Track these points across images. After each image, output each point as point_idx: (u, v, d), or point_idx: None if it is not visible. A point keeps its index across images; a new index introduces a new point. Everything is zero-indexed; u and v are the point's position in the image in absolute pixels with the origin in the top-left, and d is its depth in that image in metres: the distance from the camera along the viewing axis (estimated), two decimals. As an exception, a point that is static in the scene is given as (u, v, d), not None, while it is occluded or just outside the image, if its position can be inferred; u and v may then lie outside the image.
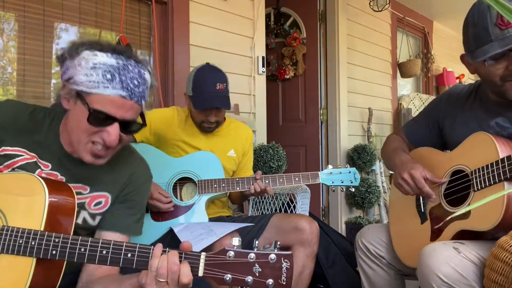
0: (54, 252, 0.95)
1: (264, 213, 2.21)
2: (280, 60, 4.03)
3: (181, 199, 1.81)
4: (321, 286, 2.35)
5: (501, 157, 1.18)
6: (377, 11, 4.00)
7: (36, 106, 1.18)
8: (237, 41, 2.89)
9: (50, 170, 1.13)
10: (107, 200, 1.18)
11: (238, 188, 1.79)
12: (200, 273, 0.90)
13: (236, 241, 0.92)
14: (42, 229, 0.97)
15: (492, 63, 1.22)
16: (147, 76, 1.10)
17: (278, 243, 0.93)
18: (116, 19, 2.37)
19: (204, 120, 1.84)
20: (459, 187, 1.33)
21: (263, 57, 3.05)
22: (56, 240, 0.96)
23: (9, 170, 1.09)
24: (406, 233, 1.50)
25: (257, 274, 0.88)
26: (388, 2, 3.94)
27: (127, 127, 1.08)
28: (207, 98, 1.79)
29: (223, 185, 1.78)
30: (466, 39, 1.27)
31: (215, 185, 1.78)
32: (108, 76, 1.02)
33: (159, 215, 1.76)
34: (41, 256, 0.96)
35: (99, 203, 1.17)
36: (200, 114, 1.84)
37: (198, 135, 1.91)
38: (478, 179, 1.24)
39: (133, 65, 1.06)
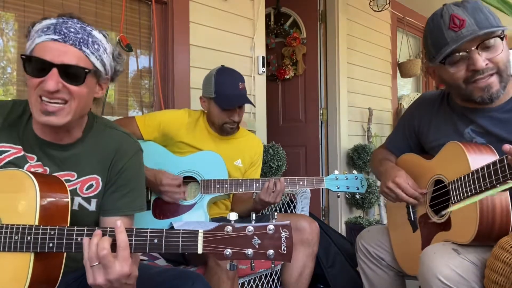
0: (51, 244, 0.95)
1: (264, 213, 2.21)
2: (280, 60, 4.02)
3: (184, 198, 1.81)
4: (321, 286, 2.35)
5: (471, 169, 1.18)
6: (377, 11, 4.00)
7: (15, 100, 1.18)
8: (237, 41, 2.89)
9: (36, 162, 1.12)
10: (97, 182, 1.16)
11: (241, 190, 1.78)
12: (200, 250, 0.89)
13: (233, 215, 0.92)
14: (36, 224, 0.96)
15: (453, 67, 1.25)
16: (95, 33, 1.09)
17: (276, 214, 0.93)
18: (116, 19, 2.37)
19: (227, 120, 1.87)
20: (443, 198, 1.33)
21: (263, 57, 3.05)
22: (52, 232, 0.95)
23: None
24: (402, 240, 1.52)
25: (257, 246, 0.88)
26: (388, 2, 3.93)
27: (69, 73, 1.03)
28: (233, 97, 1.84)
29: (226, 185, 1.78)
30: (427, 50, 1.32)
31: (218, 186, 1.78)
32: (45, 29, 1.03)
33: (160, 213, 1.76)
34: (38, 250, 0.95)
35: (91, 186, 1.16)
36: (223, 115, 1.86)
37: (207, 140, 1.91)
38: (454, 192, 1.25)
39: (75, 21, 1.06)
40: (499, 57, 1.21)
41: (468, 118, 1.33)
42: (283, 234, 0.89)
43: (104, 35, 1.11)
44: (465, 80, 1.25)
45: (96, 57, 1.08)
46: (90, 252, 0.90)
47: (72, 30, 1.04)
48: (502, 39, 1.21)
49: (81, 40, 1.05)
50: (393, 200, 1.44)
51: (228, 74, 1.88)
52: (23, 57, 1.03)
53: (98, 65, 1.09)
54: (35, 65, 1.02)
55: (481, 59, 1.20)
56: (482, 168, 1.14)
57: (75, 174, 1.15)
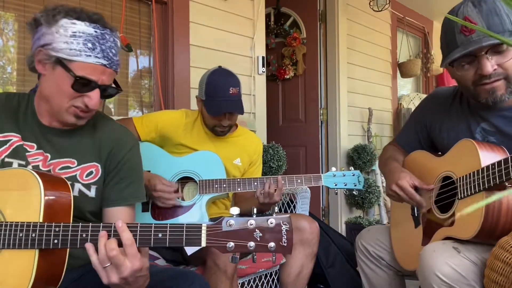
0: (56, 241, 0.96)
1: (264, 213, 2.21)
2: (280, 60, 4.03)
3: (183, 199, 1.81)
4: (321, 286, 2.35)
5: (482, 166, 1.18)
6: (377, 11, 4.00)
7: (7, 93, 1.22)
8: (237, 41, 2.89)
9: (36, 150, 1.15)
10: (97, 169, 1.20)
11: (239, 189, 1.78)
12: (203, 243, 0.92)
13: (235, 210, 0.94)
14: (41, 221, 0.98)
15: (461, 70, 1.26)
16: (119, 43, 1.17)
17: (276, 209, 0.96)
18: (116, 19, 2.37)
19: (216, 124, 1.84)
20: (449, 194, 1.34)
21: (263, 57, 3.05)
22: (57, 229, 0.96)
23: (2, 157, 1.12)
24: (402, 236, 1.52)
25: (258, 239, 0.91)
26: (388, 2, 3.94)
27: (105, 91, 1.15)
28: (221, 103, 1.79)
29: (224, 185, 1.78)
30: (442, 49, 1.33)
31: (216, 185, 1.77)
32: (89, 45, 1.08)
33: (159, 213, 1.76)
34: (43, 247, 0.96)
35: (91, 173, 1.19)
36: (213, 119, 1.84)
37: (205, 140, 1.90)
38: (462, 187, 1.25)
39: (109, 33, 1.13)
40: (508, 63, 1.21)
41: (480, 115, 1.33)
42: (283, 227, 0.92)
43: (119, 38, 1.18)
44: (473, 82, 1.26)
45: (119, 67, 1.18)
46: (100, 254, 0.93)
47: (113, 51, 1.13)
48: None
49: (119, 63, 1.16)
50: (399, 201, 1.45)
51: (220, 77, 1.83)
52: (78, 78, 1.08)
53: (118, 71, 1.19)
54: (81, 84, 1.09)
55: (489, 65, 1.20)
56: (493, 165, 1.14)
57: (75, 161, 1.18)
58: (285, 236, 0.91)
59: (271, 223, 0.91)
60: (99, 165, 1.21)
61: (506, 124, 1.28)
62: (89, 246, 0.94)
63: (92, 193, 1.19)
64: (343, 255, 2.39)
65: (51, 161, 1.16)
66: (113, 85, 1.17)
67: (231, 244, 0.91)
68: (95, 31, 1.09)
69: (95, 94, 1.11)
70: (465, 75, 1.26)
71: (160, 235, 0.94)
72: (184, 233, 0.93)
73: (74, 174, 1.17)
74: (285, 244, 0.91)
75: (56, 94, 1.11)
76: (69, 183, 1.14)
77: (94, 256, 0.93)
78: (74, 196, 1.14)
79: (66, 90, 1.09)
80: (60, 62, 1.08)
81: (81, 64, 1.08)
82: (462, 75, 1.27)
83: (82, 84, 1.09)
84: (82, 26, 1.08)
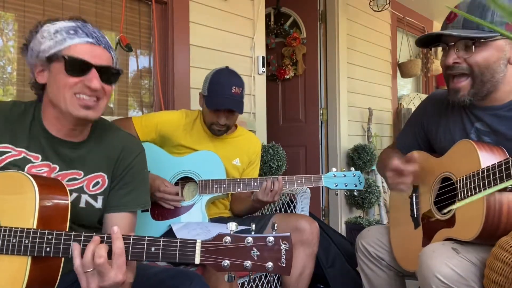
0: (48, 249, 0.95)
1: (264, 213, 2.21)
2: (280, 60, 4.02)
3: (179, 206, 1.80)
4: (321, 286, 2.34)
5: (482, 166, 1.17)
6: (377, 11, 4.00)
7: (14, 101, 1.20)
8: (237, 41, 2.89)
9: (41, 161, 1.13)
10: (103, 179, 1.19)
11: (239, 189, 1.78)
12: (197, 261, 0.88)
13: (232, 225, 0.90)
14: (34, 227, 0.96)
15: (443, 55, 1.31)
16: (108, 39, 1.16)
17: (276, 225, 0.91)
18: (116, 19, 2.37)
19: (214, 121, 1.85)
20: (449, 195, 1.33)
21: (263, 57, 3.05)
22: (49, 237, 0.95)
23: None
24: (402, 237, 1.51)
25: (256, 258, 0.86)
26: (388, 2, 3.93)
27: (104, 74, 1.11)
28: (221, 99, 1.79)
29: (224, 185, 1.78)
30: None
31: (216, 186, 1.78)
32: (71, 31, 1.08)
33: (159, 214, 1.76)
34: (35, 254, 0.95)
35: (97, 183, 1.18)
36: (211, 115, 1.84)
37: (204, 140, 1.91)
38: (462, 188, 1.24)
39: (91, 26, 1.13)
40: (471, 59, 1.22)
41: (475, 115, 1.34)
42: (283, 246, 0.87)
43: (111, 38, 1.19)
44: (444, 72, 1.30)
45: (116, 60, 1.16)
46: (85, 258, 0.90)
47: (98, 33, 1.12)
48: (473, 44, 1.21)
49: (109, 44, 1.14)
50: (401, 187, 1.39)
51: (225, 75, 1.84)
52: (66, 58, 1.06)
53: (113, 56, 1.16)
54: (74, 65, 1.07)
55: (452, 56, 1.24)
56: (493, 166, 1.13)
57: (82, 173, 1.17)
58: (284, 256, 0.86)
59: (269, 242, 0.86)
60: (105, 175, 1.19)
61: (500, 123, 1.28)
62: (75, 247, 0.92)
63: (98, 204, 1.18)
64: (343, 255, 2.39)
65: (59, 173, 1.14)
66: (112, 66, 1.13)
67: (227, 262, 0.86)
68: (75, 24, 1.10)
69: (92, 74, 1.07)
70: (441, 62, 1.32)
71: (153, 249, 0.91)
72: (177, 248, 0.90)
73: (81, 185, 1.16)
74: (284, 265, 0.86)
75: (58, 89, 1.08)
76: (76, 194, 1.13)
77: (78, 259, 0.91)
78: (81, 208, 1.14)
79: (63, 79, 1.07)
80: (52, 58, 1.08)
81: (68, 49, 1.07)
82: (441, 62, 1.33)
83: (75, 67, 1.07)
84: (62, 23, 1.09)
